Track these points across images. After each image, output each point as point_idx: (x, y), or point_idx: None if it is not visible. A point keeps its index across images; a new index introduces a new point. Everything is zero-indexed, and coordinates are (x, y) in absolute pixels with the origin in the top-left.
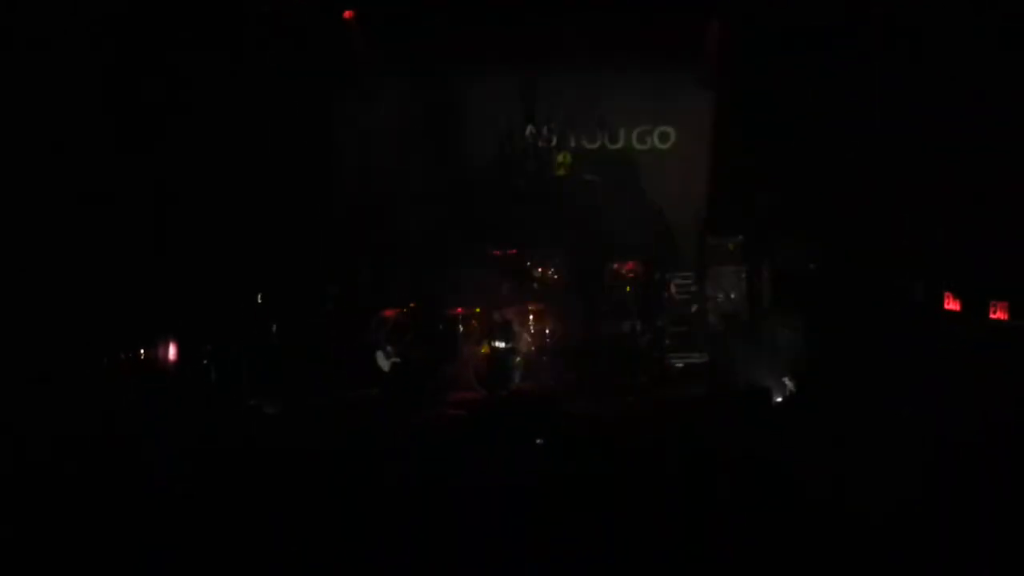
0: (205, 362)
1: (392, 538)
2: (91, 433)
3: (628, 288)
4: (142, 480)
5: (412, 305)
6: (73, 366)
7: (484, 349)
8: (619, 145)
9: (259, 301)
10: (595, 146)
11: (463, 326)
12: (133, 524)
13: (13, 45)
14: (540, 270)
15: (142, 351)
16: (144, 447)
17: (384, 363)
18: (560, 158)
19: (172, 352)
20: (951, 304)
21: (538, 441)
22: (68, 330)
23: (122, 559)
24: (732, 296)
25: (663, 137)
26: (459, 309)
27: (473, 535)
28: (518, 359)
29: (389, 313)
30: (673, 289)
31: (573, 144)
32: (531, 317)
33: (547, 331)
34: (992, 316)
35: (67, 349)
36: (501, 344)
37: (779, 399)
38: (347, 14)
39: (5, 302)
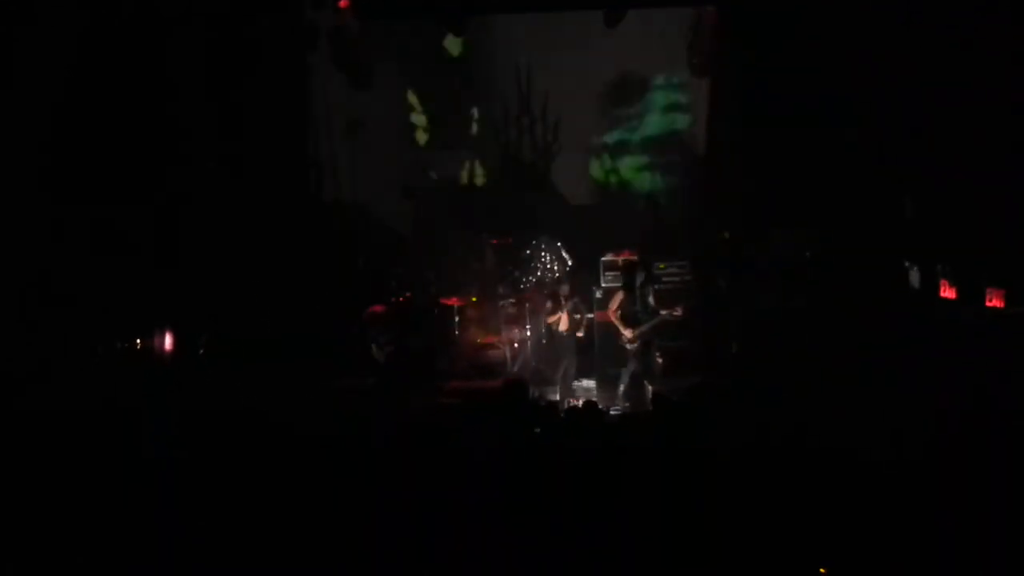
0: (201, 352)
1: (388, 526)
2: (88, 423)
3: (623, 277)
4: (138, 470)
5: (408, 295)
6: (70, 356)
7: (480, 339)
8: (614, 133)
9: (255, 291)
10: (590, 135)
11: (458, 315)
12: (129, 514)
13: (14, 51)
14: (536, 259)
15: (139, 341)
16: (141, 436)
17: (379, 355)
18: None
19: (168, 342)
20: (947, 291)
21: (535, 430)
22: (65, 320)
23: (118, 548)
24: (727, 285)
25: (658, 126)
26: (454, 299)
27: (469, 524)
28: (515, 347)
29: (379, 308)
30: (668, 278)
31: (568, 133)
32: (527, 306)
33: (542, 320)
34: (988, 303)
35: (64, 339)
36: (496, 333)
37: (773, 387)
38: (342, 3)
39: (3, 294)
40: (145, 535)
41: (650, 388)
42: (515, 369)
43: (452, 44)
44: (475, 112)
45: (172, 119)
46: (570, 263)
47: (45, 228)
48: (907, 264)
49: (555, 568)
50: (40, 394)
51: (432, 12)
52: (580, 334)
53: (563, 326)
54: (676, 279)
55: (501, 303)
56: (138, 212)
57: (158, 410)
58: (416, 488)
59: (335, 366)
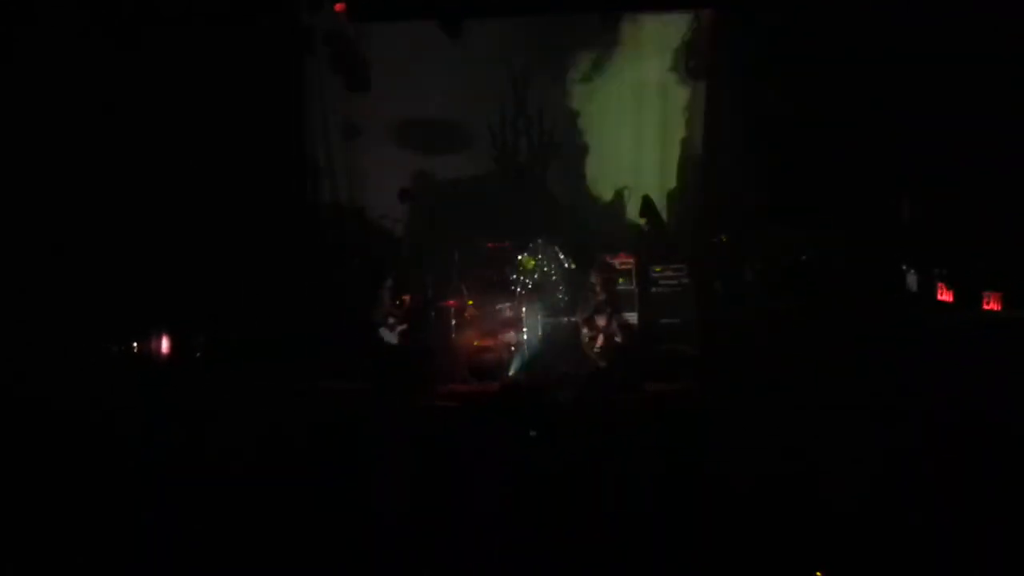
0: (198, 355)
1: (388, 527)
2: (85, 426)
3: (619, 280)
4: (137, 470)
5: (406, 297)
6: (66, 359)
7: (476, 341)
8: (611, 136)
9: (251, 293)
10: (586, 138)
11: (455, 318)
12: (129, 515)
13: (14, 51)
14: (532, 262)
15: (135, 344)
16: (137, 440)
17: (391, 336)
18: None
19: (165, 345)
20: (944, 295)
21: (531, 433)
22: (61, 322)
23: (114, 549)
24: (724, 288)
25: (654, 129)
26: (451, 301)
27: (464, 525)
28: (510, 351)
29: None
30: (664, 281)
31: (564, 136)
32: (523, 309)
33: (539, 323)
34: (985, 307)
35: (60, 342)
36: (493, 337)
37: (770, 392)
38: (338, 6)
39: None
40: (145, 535)
41: (648, 392)
42: (511, 372)
43: None
44: (472, 115)
45: (173, 124)
46: (567, 266)
47: (42, 229)
48: (904, 266)
49: (554, 569)
50: (37, 396)
51: (429, 14)
52: None
53: None
54: (673, 282)
55: (498, 307)
56: (136, 212)
57: (156, 411)
58: (413, 488)
59: (329, 367)
